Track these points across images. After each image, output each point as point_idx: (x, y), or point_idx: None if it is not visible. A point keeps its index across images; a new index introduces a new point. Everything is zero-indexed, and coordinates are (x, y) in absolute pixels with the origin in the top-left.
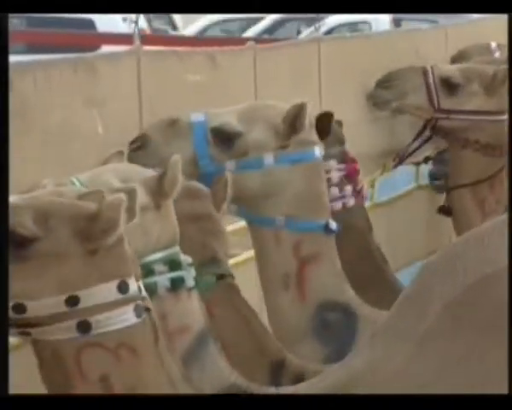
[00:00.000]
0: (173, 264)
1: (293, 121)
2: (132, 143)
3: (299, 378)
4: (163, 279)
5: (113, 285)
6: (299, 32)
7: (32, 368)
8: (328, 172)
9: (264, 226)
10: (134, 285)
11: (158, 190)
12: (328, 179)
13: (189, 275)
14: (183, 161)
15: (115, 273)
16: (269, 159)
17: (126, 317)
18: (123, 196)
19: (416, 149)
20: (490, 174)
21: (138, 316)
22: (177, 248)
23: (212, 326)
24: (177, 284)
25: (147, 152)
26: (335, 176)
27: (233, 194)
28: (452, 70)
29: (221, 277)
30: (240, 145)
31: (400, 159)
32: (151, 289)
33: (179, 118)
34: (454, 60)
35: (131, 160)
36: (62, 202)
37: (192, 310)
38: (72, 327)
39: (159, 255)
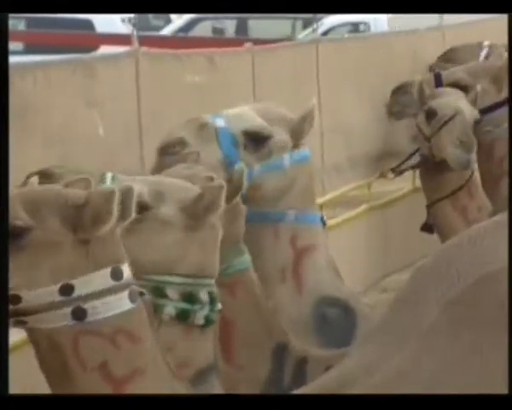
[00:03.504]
0: (187, 296)
1: (310, 121)
2: (167, 147)
3: (301, 362)
4: (170, 307)
5: (106, 273)
6: (215, 30)
7: (32, 369)
8: None
9: (274, 222)
10: (127, 271)
11: (194, 210)
12: None
13: (201, 313)
14: (210, 166)
15: (109, 260)
16: (287, 159)
17: (121, 303)
18: (115, 187)
19: (412, 154)
20: (463, 183)
21: (133, 301)
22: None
23: (230, 307)
24: (182, 316)
25: (183, 156)
26: None
27: (249, 194)
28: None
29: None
30: (268, 147)
31: (399, 172)
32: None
33: (207, 121)
34: (447, 59)
35: (169, 165)
36: (49, 190)
37: (199, 347)
38: (68, 314)
39: (177, 280)
